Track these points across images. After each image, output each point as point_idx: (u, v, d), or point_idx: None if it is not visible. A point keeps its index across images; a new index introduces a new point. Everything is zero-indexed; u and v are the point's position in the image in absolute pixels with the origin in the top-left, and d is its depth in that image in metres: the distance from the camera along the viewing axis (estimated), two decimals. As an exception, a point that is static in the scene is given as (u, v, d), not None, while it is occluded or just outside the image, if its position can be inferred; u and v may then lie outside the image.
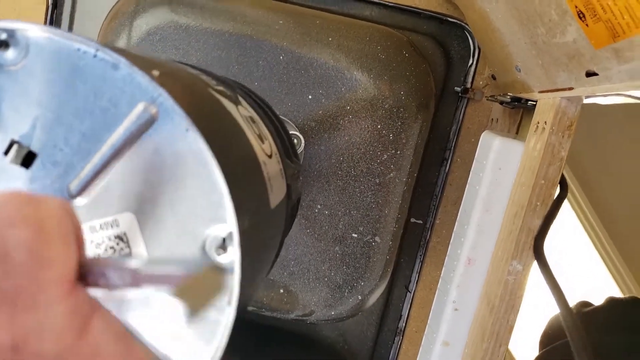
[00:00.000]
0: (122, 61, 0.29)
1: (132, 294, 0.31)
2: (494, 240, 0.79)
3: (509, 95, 0.83)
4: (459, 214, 0.85)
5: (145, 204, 0.31)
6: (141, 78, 0.30)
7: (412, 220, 0.99)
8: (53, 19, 1.03)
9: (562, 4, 0.57)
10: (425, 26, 0.95)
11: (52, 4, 1.07)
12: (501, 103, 0.85)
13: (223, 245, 0.30)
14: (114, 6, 0.97)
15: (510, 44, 0.78)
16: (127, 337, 0.20)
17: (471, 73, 0.98)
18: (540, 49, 0.69)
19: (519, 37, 0.73)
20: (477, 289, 0.79)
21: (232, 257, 0.30)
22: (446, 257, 0.87)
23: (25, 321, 0.18)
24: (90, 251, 0.32)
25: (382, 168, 0.79)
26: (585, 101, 0.69)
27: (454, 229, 0.86)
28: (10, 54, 0.30)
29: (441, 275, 0.88)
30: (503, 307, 0.73)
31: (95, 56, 0.30)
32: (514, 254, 0.72)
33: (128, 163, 0.31)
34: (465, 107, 0.98)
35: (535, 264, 0.71)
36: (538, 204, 0.71)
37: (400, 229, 0.84)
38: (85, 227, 0.31)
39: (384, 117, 0.78)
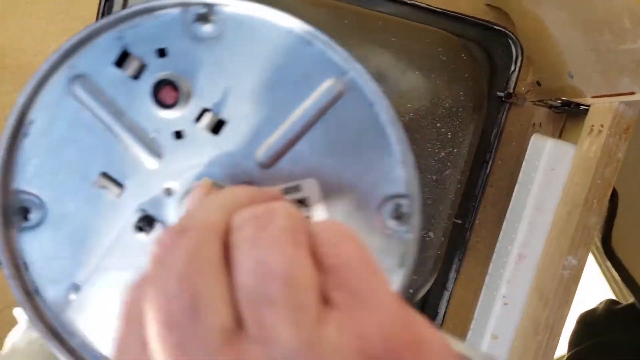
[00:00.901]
0: (319, 36, 0.32)
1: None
2: (544, 237, 0.82)
3: (559, 100, 0.86)
4: (507, 212, 0.88)
5: (327, 172, 0.33)
6: (333, 54, 0.32)
7: (453, 220, 1.02)
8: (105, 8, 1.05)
9: (637, 12, 0.61)
10: (470, 32, 0.98)
11: (104, -3, 1.08)
12: (550, 107, 0.89)
13: (398, 211, 0.33)
14: None
15: (566, 50, 0.81)
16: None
17: (513, 79, 1.01)
18: (602, 56, 0.72)
19: (578, 44, 0.77)
20: (527, 283, 0.82)
21: (409, 221, 0.33)
22: (494, 254, 0.89)
23: (366, 320, 0.20)
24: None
25: (439, 165, 0.82)
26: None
27: (503, 227, 0.89)
28: (208, 27, 0.33)
29: (488, 271, 0.90)
30: (557, 301, 0.76)
31: (291, 32, 0.33)
32: (570, 250, 0.75)
33: (313, 133, 0.33)
34: (508, 112, 1.01)
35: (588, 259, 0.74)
36: (594, 202, 0.74)
37: (451, 226, 0.87)
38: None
39: (443, 116, 0.81)
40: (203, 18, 0.33)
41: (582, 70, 0.79)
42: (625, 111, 0.72)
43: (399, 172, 0.33)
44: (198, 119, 0.34)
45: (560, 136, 0.97)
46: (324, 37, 0.32)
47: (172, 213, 0.35)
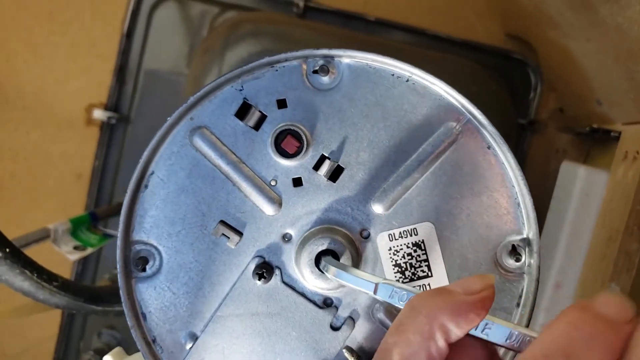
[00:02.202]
0: (436, 83, 0.33)
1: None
2: (581, 264, 0.83)
3: (588, 127, 0.88)
4: (541, 239, 0.89)
5: (443, 214, 0.34)
6: (450, 98, 0.33)
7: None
8: (125, 49, 1.06)
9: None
10: (490, 61, 1.00)
11: (126, 34, 1.09)
12: (577, 134, 0.90)
13: (517, 252, 0.34)
14: (201, 43, 1.01)
15: (595, 78, 0.83)
16: None
17: (534, 106, 1.03)
18: (637, 84, 0.74)
19: (609, 73, 0.79)
20: (567, 310, 0.83)
21: (527, 261, 0.34)
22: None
23: None
24: (388, 257, 0.35)
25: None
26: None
27: (537, 254, 0.89)
28: (326, 78, 0.34)
29: (524, 298, 0.91)
30: (602, 327, 0.76)
31: (407, 81, 0.34)
32: (613, 277, 0.75)
33: (429, 176, 0.34)
34: (530, 139, 1.03)
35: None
36: (635, 228, 0.75)
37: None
38: (384, 235, 0.34)
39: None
40: (322, 69, 0.33)
41: (612, 97, 0.81)
42: (661, 137, 0.74)
43: (517, 214, 0.34)
44: (317, 166, 0.34)
45: (584, 162, 0.98)
46: (440, 83, 0.33)
47: (289, 259, 0.35)
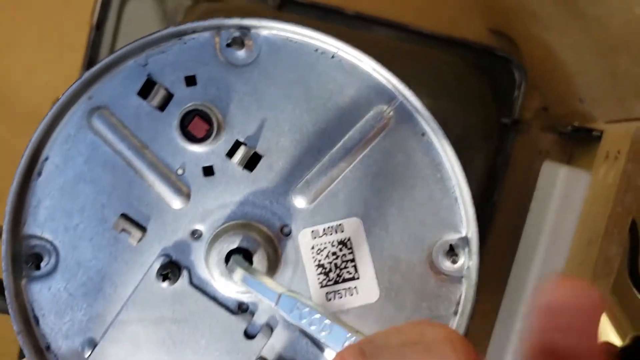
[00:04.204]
0: (365, 60, 0.29)
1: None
2: (561, 269, 0.79)
3: (570, 126, 0.84)
4: (520, 243, 0.85)
5: (371, 209, 0.30)
6: (380, 78, 0.29)
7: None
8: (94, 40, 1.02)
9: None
10: (472, 58, 0.96)
11: (95, 26, 1.05)
12: (560, 133, 0.87)
13: (454, 253, 0.30)
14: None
15: (577, 75, 0.79)
16: None
17: (517, 105, 0.99)
18: (619, 79, 0.70)
19: (591, 68, 0.75)
20: (545, 317, 0.79)
21: (465, 264, 0.30)
22: (507, 287, 0.86)
23: None
24: (311, 257, 0.31)
25: (451, 195, 0.79)
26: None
27: (515, 258, 0.86)
28: (242, 52, 0.30)
29: (502, 305, 0.87)
30: (581, 336, 0.72)
31: (333, 57, 0.30)
32: (592, 282, 0.72)
33: (357, 167, 0.30)
34: (513, 139, 0.99)
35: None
36: (615, 231, 0.71)
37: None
38: (307, 232, 0.31)
39: (454, 144, 0.79)
40: (237, 42, 0.30)
41: (595, 94, 0.77)
42: (643, 136, 0.70)
43: (455, 209, 0.30)
44: (230, 153, 0.30)
45: (568, 163, 0.95)
46: (369, 60, 0.29)
47: (199, 258, 0.31)
